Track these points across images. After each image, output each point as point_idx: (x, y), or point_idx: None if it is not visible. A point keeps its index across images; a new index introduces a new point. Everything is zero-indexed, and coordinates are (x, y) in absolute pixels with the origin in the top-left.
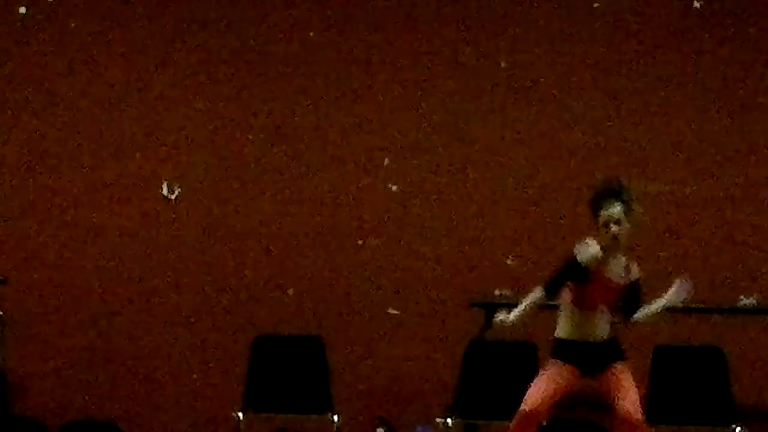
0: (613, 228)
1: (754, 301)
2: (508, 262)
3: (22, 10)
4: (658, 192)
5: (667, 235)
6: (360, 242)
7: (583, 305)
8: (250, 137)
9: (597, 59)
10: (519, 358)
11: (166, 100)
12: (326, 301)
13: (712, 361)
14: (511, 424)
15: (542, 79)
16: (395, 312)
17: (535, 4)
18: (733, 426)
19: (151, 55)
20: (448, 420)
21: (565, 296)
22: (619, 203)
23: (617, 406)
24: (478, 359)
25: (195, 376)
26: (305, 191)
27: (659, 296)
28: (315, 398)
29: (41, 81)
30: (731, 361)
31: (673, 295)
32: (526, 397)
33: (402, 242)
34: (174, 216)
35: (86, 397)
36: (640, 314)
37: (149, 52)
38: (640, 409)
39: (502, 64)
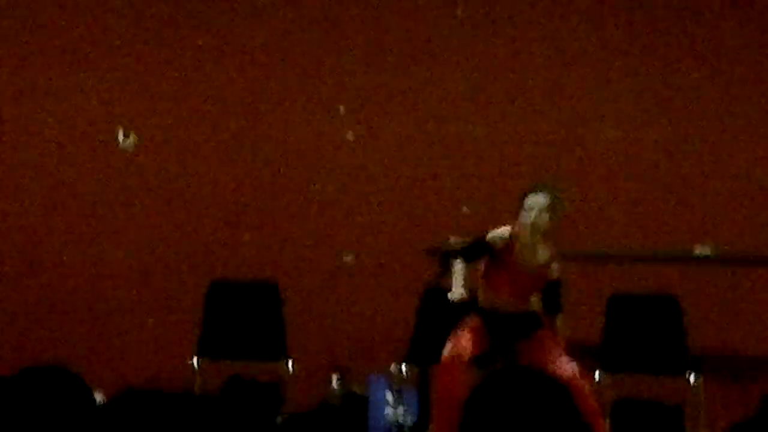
0: (534, 213)
1: (709, 250)
2: (463, 209)
3: None
4: (614, 137)
5: (622, 181)
6: (316, 188)
7: (490, 283)
8: (208, 85)
9: (551, 7)
10: (470, 306)
11: (127, 46)
12: (282, 247)
13: (666, 310)
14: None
15: (500, 26)
16: (350, 259)
17: None
18: (688, 374)
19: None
20: (403, 366)
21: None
22: (543, 195)
23: (556, 374)
24: (432, 306)
25: (150, 322)
26: (261, 137)
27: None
28: (270, 345)
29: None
30: (685, 310)
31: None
32: (451, 345)
33: (357, 189)
34: (129, 162)
35: (39, 345)
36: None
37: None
38: (576, 367)
39: (458, 13)
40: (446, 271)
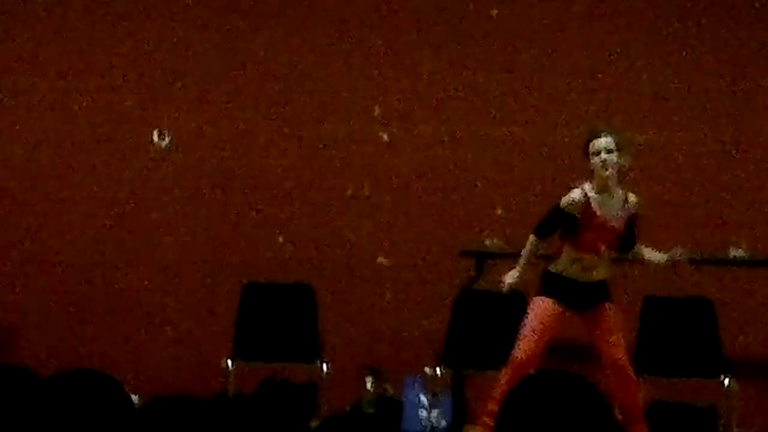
0: (605, 156)
1: (744, 253)
2: (498, 211)
3: None
4: (649, 141)
5: (658, 185)
6: (350, 191)
7: (583, 249)
8: (243, 85)
9: (587, 10)
10: (508, 308)
11: (157, 46)
12: (316, 248)
13: (701, 313)
14: (504, 371)
15: (533, 29)
16: (384, 261)
17: None
18: (722, 377)
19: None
20: (437, 369)
21: (566, 241)
22: (606, 136)
23: (605, 351)
24: (467, 308)
25: (184, 324)
26: (296, 139)
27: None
28: (304, 346)
29: (27, 24)
30: (720, 313)
31: (662, 258)
32: (518, 344)
33: (392, 191)
34: (165, 164)
35: (74, 347)
36: (634, 252)
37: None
38: (626, 353)
39: (493, 14)
40: (482, 273)
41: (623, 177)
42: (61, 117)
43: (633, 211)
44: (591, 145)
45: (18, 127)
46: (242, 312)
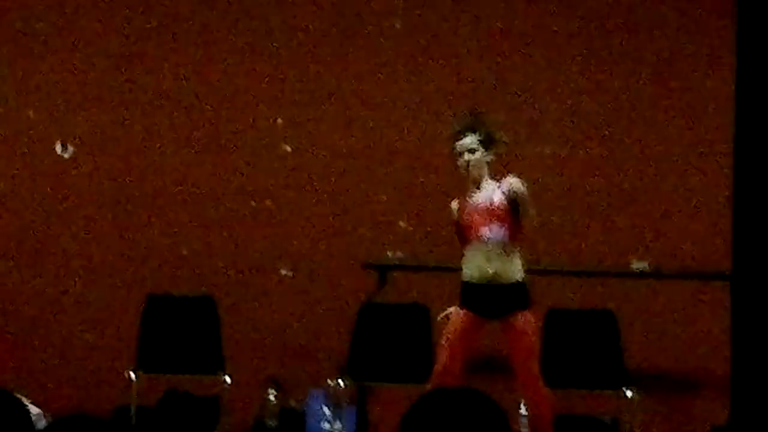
0: (467, 157)
1: (645, 265)
2: (401, 223)
3: None
4: (553, 153)
5: (560, 198)
6: (253, 203)
7: (467, 241)
8: (146, 96)
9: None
10: (411, 321)
11: (62, 56)
12: (219, 261)
13: (603, 325)
14: (429, 384)
15: (433, 39)
16: (287, 273)
17: None
18: (624, 389)
19: (47, 8)
20: (340, 381)
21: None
22: (471, 134)
23: (513, 361)
24: (370, 321)
25: (87, 336)
26: (199, 151)
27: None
28: (207, 358)
29: None
30: (622, 325)
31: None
32: (437, 357)
33: (294, 202)
34: (67, 175)
35: None
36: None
37: (44, 4)
38: (535, 364)
39: (398, 25)
40: (385, 285)
41: (493, 169)
42: None
43: (513, 192)
44: (455, 146)
45: None
46: (145, 323)
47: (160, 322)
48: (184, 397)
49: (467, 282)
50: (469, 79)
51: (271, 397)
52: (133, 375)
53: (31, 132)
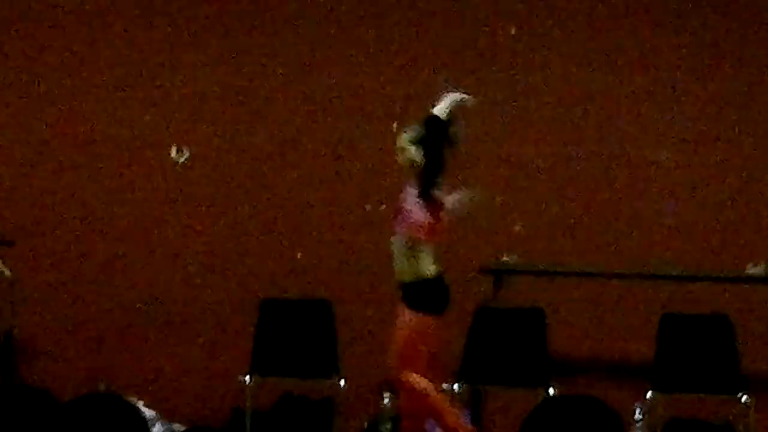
0: (400, 151)
1: (761, 269)
2: (516, 228)
3: None
4: (669, 159)
5: (677, 201)
6: (368, 207)
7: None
8: (261, 101)
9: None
10: (526, 324)
11: (174, 62)
12: (335, 265)
13: (718, 330)
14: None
15: (559, 38)
16: None
17: None
18: (739, 393)
19: (160, 17)
20: (455, 385)
21: None
22: (407, 130)
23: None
24: (485, 325)
25: (201, 340)
26: (313, 155)
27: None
28: (322, 362)
29: (51, 43)
30: (737, 330)
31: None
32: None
33: None
34: (183, 179)
35: (94, 360)
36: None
37: (159, 13)
38: (405, 362)
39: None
40: (500, 289)
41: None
42: (81, 136)
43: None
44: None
45: (43, 146)
46: (260, 327)
47: (275, 326)
48: (299, 400)
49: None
50: (584, 84)
51: (386, 401)
52: (248, 378)
53: (148, 136)
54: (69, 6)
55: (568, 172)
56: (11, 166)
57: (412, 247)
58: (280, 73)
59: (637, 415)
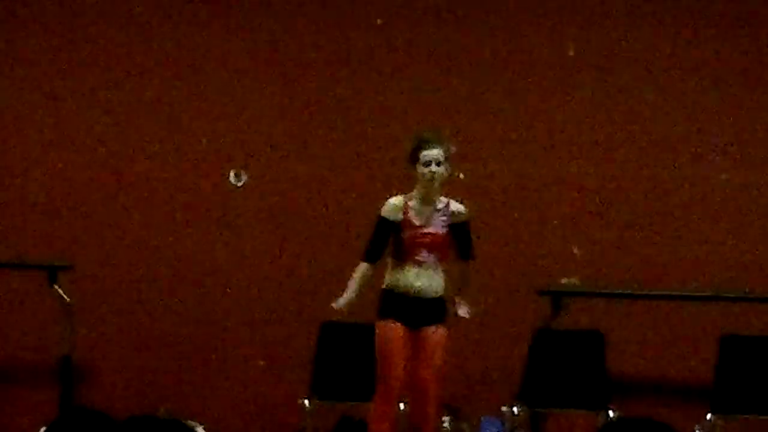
0: (434, 168)
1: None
2: (575, 250)
3: None
4: (725, 178)
5: (734, 222)
6: None
7: (404, 257)
8: (318, 123)
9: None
10: (586, 347)
11: (231, 85)
12: None
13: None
14: (372, 407)
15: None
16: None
17: None
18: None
19: (215, 41)
20: (515, 408)
21: (390, 252)
22: (438, 147)
23: (414, 369)
24: (545, 347)
25: (261, 363)
26: (370, 177)
27: None
28: None
29: (108, 63)
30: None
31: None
32: (377, 376)
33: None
34: (241, 203)
35: (152, 384)
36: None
37: (215, 37)
38: (436, 375)
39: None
40: (560, 311)
41: (445, 187)
42: (141, 161)
43: (459, 220)
44: (421, 154)
45: (102, 171)
46: (319, 351)
47: (335, 350)
48: (358, 424)
49: (390, 291)
50: (645, 105)
51: (446, 424)
52: (307, 402)
53: (205, 160)
54: (126, 35)
55: (627, 193)
56: (71, 190)
57: (438, 269)
58: (336, 99)
59: None
